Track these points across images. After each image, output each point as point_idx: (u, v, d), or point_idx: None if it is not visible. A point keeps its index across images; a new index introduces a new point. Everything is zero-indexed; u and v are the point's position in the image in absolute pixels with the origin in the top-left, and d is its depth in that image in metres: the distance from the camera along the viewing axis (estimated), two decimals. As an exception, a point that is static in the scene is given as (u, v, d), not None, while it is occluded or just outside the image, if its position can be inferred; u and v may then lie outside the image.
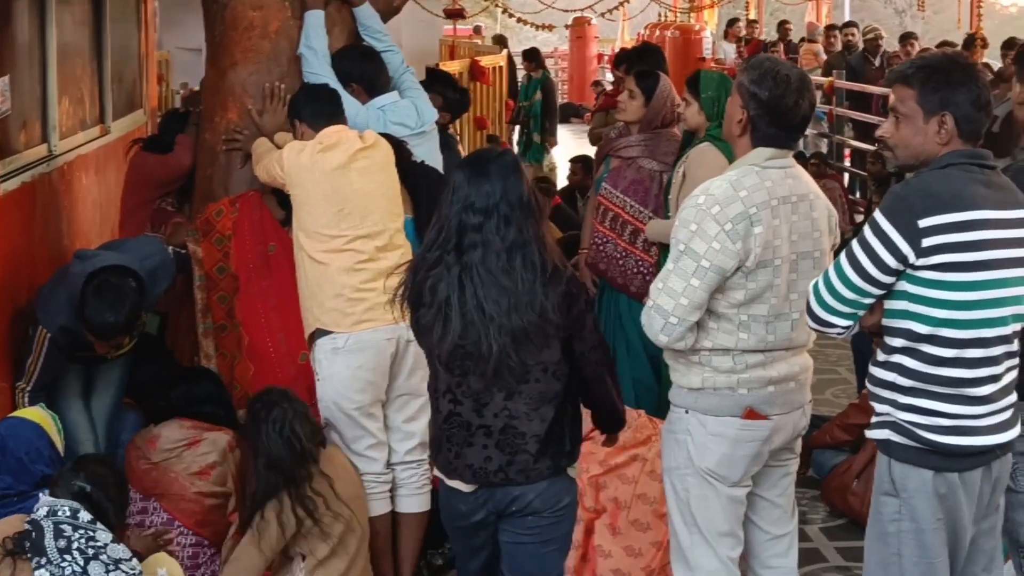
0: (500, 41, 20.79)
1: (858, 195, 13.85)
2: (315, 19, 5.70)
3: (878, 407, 3.69)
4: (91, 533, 3.92)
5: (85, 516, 3.94)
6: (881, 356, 3.67)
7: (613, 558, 4.93)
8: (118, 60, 7.58)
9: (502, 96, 13.02)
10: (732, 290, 3.94)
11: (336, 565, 4.77)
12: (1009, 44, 13.21)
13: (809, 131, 15.37)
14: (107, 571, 3.88)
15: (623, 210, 6.40)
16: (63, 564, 3.82)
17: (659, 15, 21.11)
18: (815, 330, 3.85)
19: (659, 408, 5.90)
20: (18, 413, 4.70)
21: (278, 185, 5.15)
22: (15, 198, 5.17)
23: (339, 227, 4.96)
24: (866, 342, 5.29)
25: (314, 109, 5.16)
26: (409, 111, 5.83)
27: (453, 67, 10.53)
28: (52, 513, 3.92)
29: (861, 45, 13.88)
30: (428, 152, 5.81)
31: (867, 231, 3.57)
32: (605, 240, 6.48)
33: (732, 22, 20.34)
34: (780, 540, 4.30)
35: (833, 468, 6.41)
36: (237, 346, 5.52)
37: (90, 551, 3.87)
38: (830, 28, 14.57)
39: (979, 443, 3.59)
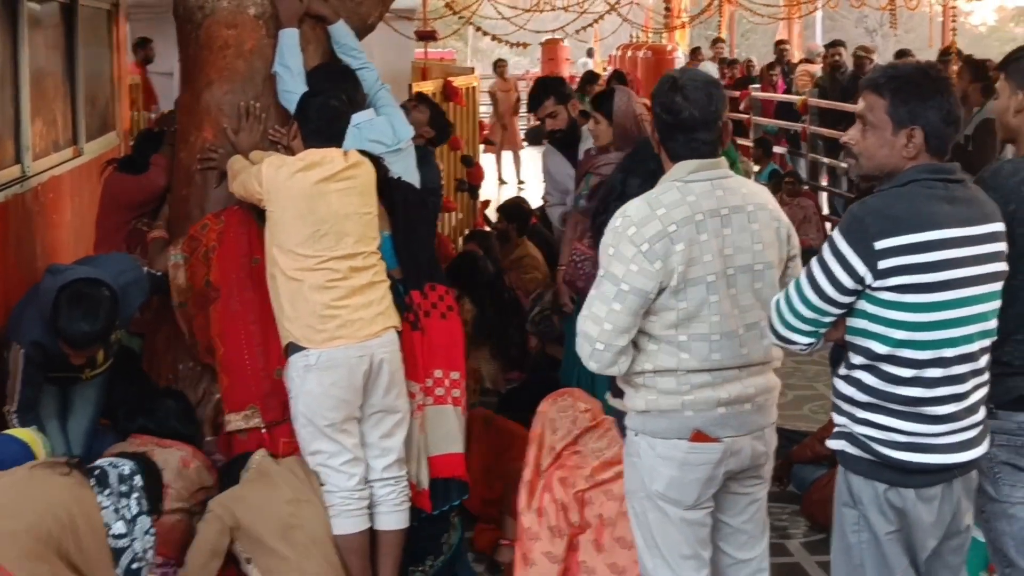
0: (500, 64, 21.21)
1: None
2: (289, 38, 5.67)
3: (836, 418, 3.67)
4: (143, 495, 4.19)
5: (139, 481, 4.21)
6: (843, 370, 3.65)
7: (597, 574, 4.90)
8: (91, 83, 7.57)
9: (475, 117, 13.04)
10: (663, 311, 3.86)
11: (286, 556, 4.86)
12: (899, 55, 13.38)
13: (779, 150, 15.45)
14: (146, 532, 4.16)
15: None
16: (120, 504, 4.08)
17: (631, 36, 21.19)
18: (777, 346, 3.80)
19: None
20: (8, 431, 4.69)
21: (254, 200, 5.11)
22: (-11, 219, 5.15)
23: (313, 248, 4.95)
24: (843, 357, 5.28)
25: (318, 127, 5.14)
26: (385, 128, 5.82)
27: (426, 87, 10.53)
28: (113, 465, 4.20)
29: (850, 64, 13.88)
30: (404, 169, 5.80)
31: (826, 251, 3.54)
32: (584, 258, 6.44)
33: (695, 51, 20.34)
34: (747, 564, 4.22)
35: (814, 482, 6.41)
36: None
37: (145, 505, 4.16)
38: (830, 46, 14.57)
39: (935, 461, 3.55)
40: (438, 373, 5.40)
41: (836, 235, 3.52)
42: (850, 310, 3.56)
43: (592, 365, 3.94)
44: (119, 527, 4.05)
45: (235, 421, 5.29)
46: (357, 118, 5.70)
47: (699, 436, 3.92)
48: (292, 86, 5.61)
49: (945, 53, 13.45)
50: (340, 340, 4.92)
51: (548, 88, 7.46)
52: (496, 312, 8.32)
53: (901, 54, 13.27)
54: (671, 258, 3.80)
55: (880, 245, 3.43)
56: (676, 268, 3.80)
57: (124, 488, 4.12)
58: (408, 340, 5.26)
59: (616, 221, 3.89)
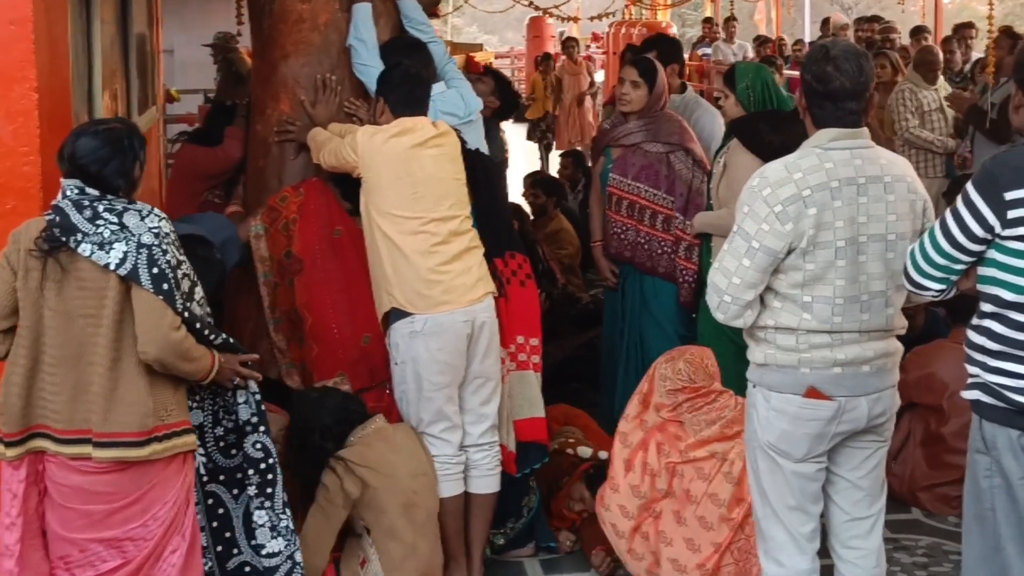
0: (569, 44, 19.61)
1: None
2: (363, 11, 5.77)
3: (970, 368, 3.80)
4: (107, 202, 3.94)
5: (92, 192, 3.94)
6: (975, 320, 3.79)
7: (673, 547, 4.99)
8: (138, 58, 7.60)
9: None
10: (790, 270, 4.00)
11: (404, 537, 4.92)
12: (916, 31, 13.46)
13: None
14: (142, 218, 3.93)
15: (638, 196, 6.51)
16: (100, 230, 3.87)
17: (623, 14, 21.17)
18: (911, 292, 3.95)
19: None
20: None
21: (348, 169, 5.19)
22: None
23: (413, 209, 5.03)
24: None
25: (403, 96, 5.21)
26: (456, 100, 5.90)
27: (449, 63, 10.59)
28: (64, 195, 3.95)
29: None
30: (475, 140, 5.87)
31: (959, 201, 3.70)
32: (625, 228, 6.57)
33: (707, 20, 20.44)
34: (861, 522, 4.32)
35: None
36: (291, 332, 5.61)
37: (118, 208, 3.92)
38: (860, 21, 14.58)
39: None
40: (520, 339, 5.50)
41: (969, 186, 3.68)
42: (980, 259, 3.71)
43: (719, 316, 4.09)
44: (101, 255, 3.86)
45: (325, 389, 5.38)
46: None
47: (813, 393, 4.05)
48: (367, 59, 5.70)
49: (920, 29, 13.56)
50: (445, 305, 5.01)
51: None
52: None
53: (918, 30, 13.39)
54: (802, 221, 3.93)
55: (1010, 195, 3.58)
56: (806, 231, 3.93)
57: (88, 213, 3.90)
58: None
59: (753, 181, 4.04)
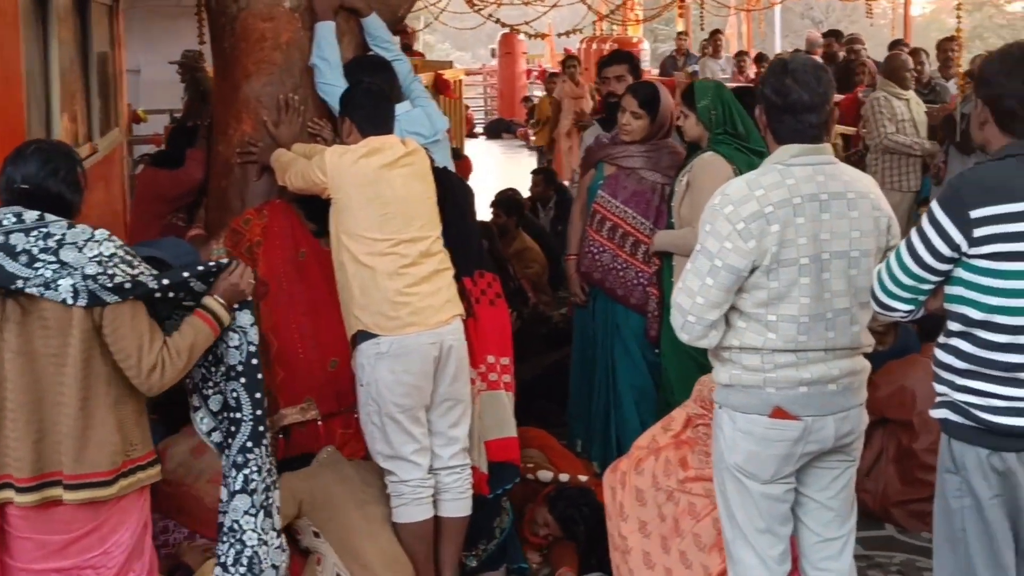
0: (571, 64, 16.38)
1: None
2: (326, 30, 5.69)
3: (937, 387, 3.78)
4: (44, 230, 3.80)
5: (31, 215, 3.81)
6: (942, 339, 3.76)
7: (653, 572, 4.89)
8: (99, 79, 7.52)
9: (462, 110, 13.10)
10: (755, 289, 3.95)
11: (360, 528, 4.98)
12: (894, 45, 13.53)
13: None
14: (79, 250, 3.79)
15: (624, 221, 6.36)
16: (40, 272, 3.75)
17: (593, 29, 21.17)
18: (879, 314, 3.90)
19: (658, 414, 5.94)
20: None
21: (317, 191, 5.10)
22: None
23: (382, 231, 4.96)
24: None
25: (368, 114, 5.14)
26: (422, 119, 5.83)
27: (417, 81, 10.56)
28: None
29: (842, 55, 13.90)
30: (442, 160, 5.79)
31: (924, 220, 3.67)
32: (602, 250, 6.43)
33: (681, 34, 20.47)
34: (831, 543, 4.25)
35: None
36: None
37: (53, 244, 3.78)
38: (828, 35, 14.56)
39: None
40: (490, 359, 5.42)
41: (934, 205, 3.65)
42: (948, 278, 3.67)
43: (684, 337, 4.04)
44: (52, 294, 3.76)
45: (291, 415, 5.31)
46: (396, 110, 5.72)
47: (779, 413, 3.99)
48: (330, 78, 5.62)
49: (897, 42, 13.62)
50: (412, 327, 4.94)
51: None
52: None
53: (896, 43, 13.43)
54: (765, 239, 3.88)
55: (975, 214, 3.56)
56: (769, 248, 3.88)
57: (24, 258, 3.75)
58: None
59: (715, 199, 3.99)
